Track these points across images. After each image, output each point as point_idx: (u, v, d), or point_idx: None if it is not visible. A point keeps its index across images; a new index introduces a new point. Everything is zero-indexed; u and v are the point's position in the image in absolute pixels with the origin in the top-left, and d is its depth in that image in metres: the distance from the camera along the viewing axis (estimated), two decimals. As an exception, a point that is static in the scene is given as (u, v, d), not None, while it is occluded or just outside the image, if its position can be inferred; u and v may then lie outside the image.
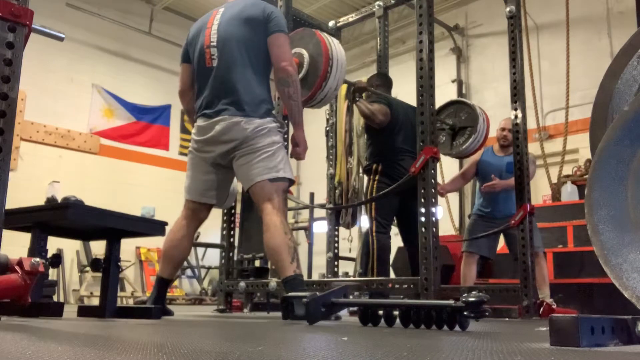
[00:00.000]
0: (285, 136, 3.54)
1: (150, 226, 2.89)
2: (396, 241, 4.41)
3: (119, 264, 2.69)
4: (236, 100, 2.86)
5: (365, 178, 4.23)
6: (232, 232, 4.16)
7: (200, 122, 2.98)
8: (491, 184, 4.44)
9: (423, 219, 3.10)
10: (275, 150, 2.87)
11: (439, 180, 4.78)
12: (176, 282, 9.28)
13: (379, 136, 4.08)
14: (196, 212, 3.08)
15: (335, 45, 3.17)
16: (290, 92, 2.90)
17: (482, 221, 4.60)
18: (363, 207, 4.45)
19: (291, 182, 2.94)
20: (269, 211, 2.79)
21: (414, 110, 3.87)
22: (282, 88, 2.91)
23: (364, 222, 4.48)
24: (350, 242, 4.95)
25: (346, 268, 7.09)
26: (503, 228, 4.24)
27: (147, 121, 9.89)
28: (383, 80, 4.44)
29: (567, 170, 7.11)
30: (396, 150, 4.00)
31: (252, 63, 2.91)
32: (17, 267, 2.00)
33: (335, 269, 4.85)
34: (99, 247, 7.18)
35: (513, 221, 3.86)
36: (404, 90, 7.02)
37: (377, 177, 4.02)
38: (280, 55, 2.88)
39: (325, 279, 4.61)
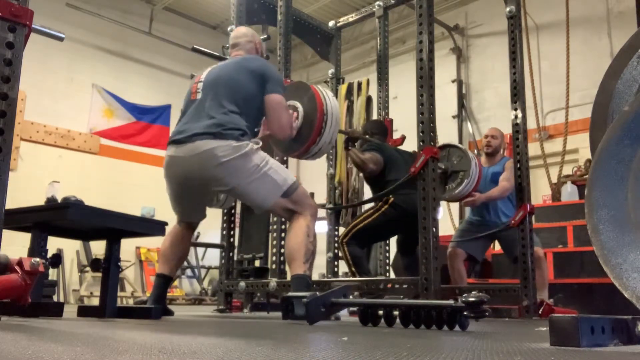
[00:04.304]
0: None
1: (150, 226, 2.89)
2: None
3: (119, 264, 2.69)
4: (211, 124, 2.78)
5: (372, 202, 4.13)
6: (232, 232, 4.16)
7: (170, 151, 2.90)
8: (471, 200, 4.37)
9: (423, 219, 3.10)
10: (263, 171, 2.80)
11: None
12: (176, 282, 9.28)
13: (381, 179, 4.01)
14: (189, 223, 3.16)
15: (329, 99, 3.13)
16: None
17: (472, 227, 4.55)
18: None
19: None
20: (296, 218, 2.87)
21: (410, 156, 3.85)
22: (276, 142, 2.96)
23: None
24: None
25: (346, 268, 7.06)
26: (494, 231, 4.26)
27: (147, 121, 9.87)
28: (378, 128, 4.39)
29: (567, 170, 7.10)
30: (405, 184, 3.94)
31: (238, 104, 2.86)
32: (17, 267, 1.99)
33: (335, 269, 4.85)
34: (99, 247, 7.17)
35: (513, 221, 3.86)
36: (404, 90, 7.06)
37: (384, 207, 3.95)
38: (276, 119, 2.90)
39: (325, 279, 4.61)
